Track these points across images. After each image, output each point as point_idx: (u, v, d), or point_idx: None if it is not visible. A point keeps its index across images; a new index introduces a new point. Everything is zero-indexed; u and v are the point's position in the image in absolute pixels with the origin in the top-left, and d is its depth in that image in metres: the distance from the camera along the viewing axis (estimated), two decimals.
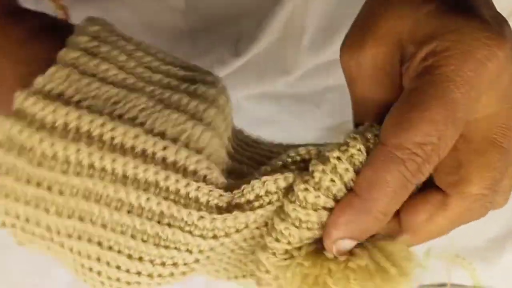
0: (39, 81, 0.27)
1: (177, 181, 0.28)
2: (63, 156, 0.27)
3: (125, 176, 0.27)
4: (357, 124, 0.31)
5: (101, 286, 0.31)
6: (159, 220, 0.28)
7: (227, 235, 0.29)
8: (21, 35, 0.29)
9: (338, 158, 0.28)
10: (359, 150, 0.28)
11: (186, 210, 0.28)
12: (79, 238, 0.29)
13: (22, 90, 0.27)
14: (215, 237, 0.29)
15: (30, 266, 0.50)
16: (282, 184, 0.29)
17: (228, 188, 0.29)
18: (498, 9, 0.29)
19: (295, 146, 0.33)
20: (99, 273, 0.30)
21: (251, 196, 0.29)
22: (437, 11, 0.27)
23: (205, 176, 0.29)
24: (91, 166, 0.27)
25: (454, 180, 0.28)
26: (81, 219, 0.28)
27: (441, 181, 0.29)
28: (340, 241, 0.28)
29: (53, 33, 0.29)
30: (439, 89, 0.26)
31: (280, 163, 0.30)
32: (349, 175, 0.28)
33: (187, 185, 0.28)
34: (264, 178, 0.29)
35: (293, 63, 0.50)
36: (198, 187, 0.28)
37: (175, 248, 0.29)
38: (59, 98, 0.27)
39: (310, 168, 0.28)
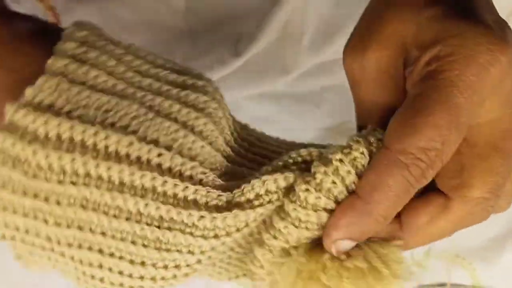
0: (29, 92, 0.27)
1: (174, 185, 0.28)
2: (58, 166, 0.27)
3: (121, 183, 0.27)
4: (360, 127, 0.31)
5: None
6: (158, 224, 0.28)
7: (228, 234, 0.29)
8: (12, 40, 0.28)
9: (341, 161, 0.28)
10: (362, 153, 0.28)
11: (186, 211, 0.28)
12: (80, 246, 0.29)
13: (12, 102, 0.27)
14: (216, 236, 0.29)
15: None
16: (282, 183, 0.29)
17: (227, 189, 0.30)
18: (498, 9, 0.29)
19: (299, 145, 0.33)
20: (101, 279, 0.30)
21: (251, 195, 0.29)
22: (441, 16, 0.27)
23: (201, 180, 0.29)
24: (87, 175, 0.27)
25: (456, 184, 0.28)
26: (80, 228, 0.28)
27: (443, 185, 0.29)
28: (340, 241, 0.28)
29: (44, 38, 0.29)
30: (442, 94, 0.26)
31: (281, 163, 0.30)
32: (351, 178, 0.28)
33: (185, 188, 0.28)
34: (264, 177, 0.29)
35: (292, 63, 0.50)
36: (196, 189, 0.28)
37: (177, 250, 0.29)
38: (50, 109, 0.27)
39: (312, 169, 0.28)
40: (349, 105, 0.31)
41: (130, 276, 0.30)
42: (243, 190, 0.29)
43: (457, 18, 0.27)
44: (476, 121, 0.27)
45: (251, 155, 0.34)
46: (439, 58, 0.26)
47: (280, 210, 0.29)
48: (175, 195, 0.28)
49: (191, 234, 0.28)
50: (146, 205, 0.28)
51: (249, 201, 0.29)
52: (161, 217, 0.28)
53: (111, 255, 0.29)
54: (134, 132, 0.28)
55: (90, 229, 0.28)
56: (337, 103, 0.53)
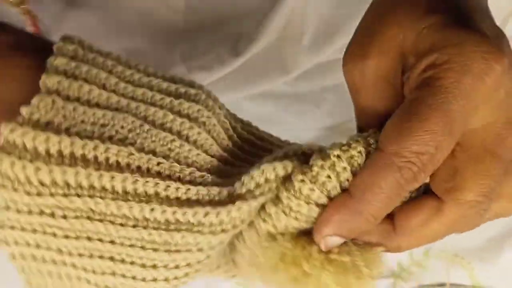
0: (25, 111, 0.27)
1: (176, 189, 0.29)
2: (62, 181, 0.27)
3: (125, 192, 0.28)
4: (360, 131, 0.31)
5: None
6: (166, 228, 0.29)
7: (234, 226, 0.30)
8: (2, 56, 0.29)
9: (338, 157, 0.28)
10: (360, 152, 0.28)
11: (191, 210, 0.28)
12: (91, 256, 0.30)
13: (7, 122, 0.27)
14: (224, 231, 0.29)
15: None
16: (281, 172, 0.29)
17: (227, 186, 0.30)
18: (498, 9, 0.29)
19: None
20: (115, 287, 0.31)
21: (251, 185, 0.29)
22: (439, 24, 0.27)
23: (201, 183, 0.29)
24: (91, 187, 0.28)
25: (450, 187, 0.28)
26: (89, 239, 0.29)
27: (436, 187, 0.29)
28: (329, 237, 0.29)
29: (32, 52, 0.29)
30: (438, 100, 0.26)
31: (281, 154, 0.30)
32: (346, 175, 0.28)
33: (187, 191, 0.29)
34: (263, 166, 0.29)
35: (292, 63, 0.50)
36: (197, 190, 0.29)
37: (187, 250, 0.29)
38: (48, 127, 0.27)
39: (310, 162, 0.29)
40: (349, 105, 0.31)
41: (144, 279, 0.30)
42: (243, 181, 0.29)
43: (455, 28, 0.27)
44: (469, 127, 0.28)
45: (251, 158, 0.34)
46: (435, 66, 0.27)
47: (275, 197, 0.30)
48: (178, 198, 0.29)
49: (199, 232, 0.29)
50: (152, 210, 0.28)
51: (250, 191, 0.29)
52: (167, 221, 0.28)
53: (123, 261, 0.30)
54: (132, 144, 0.28)
55: (99, 239, 0.29)
56: (337, 103, 0.53)
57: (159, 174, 0.29)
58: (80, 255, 0.30)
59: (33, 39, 0.32)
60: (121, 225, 0.28)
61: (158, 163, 0.28)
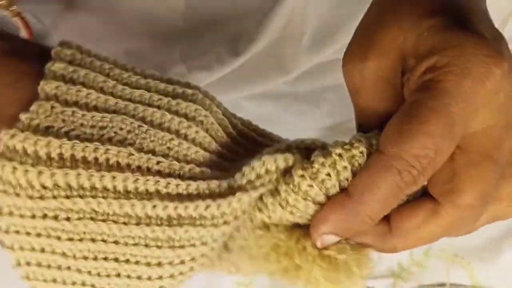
0: (24, 117, 0.28)
1: (177, 185, 0.29)
2: (64, 183, 0.28)
3: (127, 192, 0.28)
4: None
5: None
6: (168, 223, 0.29)
7: (236, 218, 0.30)
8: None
9: (340, 155, 0.28)
10: (361, 152, 0.28)
11: (193, 203, 0.29)
12: (95, 258, 0.30)
13: (7, 129, 0.27)
14: (226, 223, 0.30)
15: None
16: (282, 164, 0.29)
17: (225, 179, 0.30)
18: (498, 9, 0.29)
19: None
20: None
21: (252, 176, 0.29)
22: (439, 26, 0.27)
23: (201, 178, 0.30)
24: (93, 188, 0.28)
25: (447, 190, 0.28)
26: (92, 240, 0.29)
27: (434, 190, 0.29)
28: (325, 235, 0.29)
29: (29, 58, 0.29)
30: (438, 103, 0.26)
31: (284, 146, 0.31)
32: (346, 174, 0.28)
33: (187, 186, 0.29)
34: (264, 157, 0.30)
35: (292, 63, 0.50)
36: (198, 185, 0.29)
37: (191, 245, 0.30)
38: (48, 131, 0.28)
39: (312, 158, 0.29)
40: (349, 105, 0.31)
41: (149, 278, 0.31)
42: (244, 172, 0.30)
43: (455, 30, 0.27)
44: (469, 131, 0.28)
45: (251, 154, 0.34)
46: (436, 68, 0.27)
47: (274, 188, 0.30)
48: (179, 194, 0.29)
49: (201, 225, 0.29)
50: (154, 206, 0.28)
51: (250, 182, 0.30)
52: (169, 216, 0.29)
53: (127, 261, 0.30)
54: (131, 145, 0.29)
55: (103, 240, 0.29)
56: (337, 103, 0.53)
57: (159, 173, 0.29)
58: (85, 257, 0.30)
59: (29, 45, 0.32)
60: (124, 224, 0.29)
61: (158, 162, 0.29)
